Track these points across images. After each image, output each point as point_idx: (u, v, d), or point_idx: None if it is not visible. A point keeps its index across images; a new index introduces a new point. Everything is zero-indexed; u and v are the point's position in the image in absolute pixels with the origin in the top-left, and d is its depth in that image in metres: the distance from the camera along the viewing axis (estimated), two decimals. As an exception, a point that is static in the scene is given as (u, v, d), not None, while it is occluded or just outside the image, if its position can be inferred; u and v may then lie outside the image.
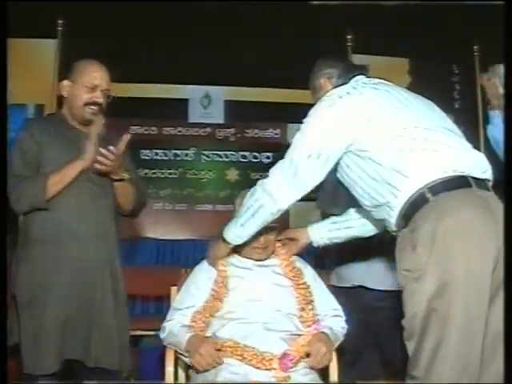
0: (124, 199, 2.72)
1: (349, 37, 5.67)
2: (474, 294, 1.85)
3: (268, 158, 6.09)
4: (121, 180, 2.65)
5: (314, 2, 5.80)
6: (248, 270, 2.49)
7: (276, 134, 6.19)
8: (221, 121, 6.21)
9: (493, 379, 1.89)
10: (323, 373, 2.41)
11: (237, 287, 2.43)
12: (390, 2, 5.89)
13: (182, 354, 2.40)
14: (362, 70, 2.37)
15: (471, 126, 5.71)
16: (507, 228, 1.89)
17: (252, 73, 5.74)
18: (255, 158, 6.19)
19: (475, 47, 5.88)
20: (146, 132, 5.97)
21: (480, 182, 1.98)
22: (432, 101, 2.29)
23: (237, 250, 2.52)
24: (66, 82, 2.69)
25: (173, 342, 2.41)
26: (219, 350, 2.28)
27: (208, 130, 6.20)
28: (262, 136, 6.26)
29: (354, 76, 2.30)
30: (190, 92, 6.11)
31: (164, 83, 5.91)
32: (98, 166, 2.54)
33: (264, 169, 6.08)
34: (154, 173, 5.84)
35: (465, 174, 1.96)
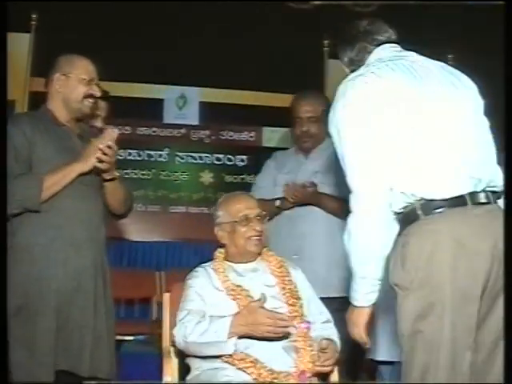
0: (115, 199, 2.67)
1: (325, 41, 5.69)
2: (461, 315, 1.81)
3: (242, 160, 6.08)
4: (112, 179, 2.59)
5: (294, 5, 5.79)
6: (241, 276, 2.45)
7: (251, 137, 6.18)
8: (196, 122, 6.19)
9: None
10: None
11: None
12: (366, 8, 5.91)
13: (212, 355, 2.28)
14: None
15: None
16: (507, 228, 1.86)
17: (228, 75, 5.73)
18: (230, 160, 6.17)
19: (449, 56, 5.94)
20: (119, 131, 5.90)
21: (478, 198, 1.90)
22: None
23: (228, 257, 2.50)
24: (57, 75, 2.59)
25: (207, 336, 2.24)
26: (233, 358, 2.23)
27: (183, 131, 6.16)
28: (237, 138, 6.25)
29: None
30: (166, 92, 6.07)
31: (139, 82, 5.87)
32: (98, 164, 2.48)
33: (238, 171, 6.13)
34: (126, 173, 5.75)
35: (462, 192, 1.88)
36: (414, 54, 2.10)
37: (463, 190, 1.87)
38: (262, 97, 5.92)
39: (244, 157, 6.07)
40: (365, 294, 1.97)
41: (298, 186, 3.07)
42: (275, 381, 2.16)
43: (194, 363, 2.33)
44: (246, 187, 3.77)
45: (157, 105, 6.01)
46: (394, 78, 1.95)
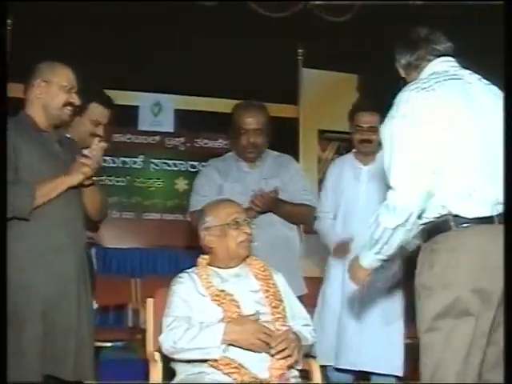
0: (92, 205, 2.67)
1: (299, 51, 5.76)
2: (478, 319, 2.01)
3: (217, 168, 6.10)
4: (91, 185, 2.60)
5: (269, 14, 5.84)
6: (224, 281, 2.47)
7: (225, 145, 6.18)
8: (171, 129, 6.21)
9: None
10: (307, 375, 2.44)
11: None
12: (340, 18, 5.98)
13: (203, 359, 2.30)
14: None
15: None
16: (507, 228, 2.05)
17: (203, 82, 5.76)
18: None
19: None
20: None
21: (501, 219, 2.08)
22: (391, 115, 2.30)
23: (211, 263, 2.52)
24: (38, 82, 2.58)
25: (197, 342, 2.27)
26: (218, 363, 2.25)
27: (157, 138, 6.18)
28: (212, 146, 6.28)
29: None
30: (141, 99, 6.09)
31: (114, 89, 5.85)
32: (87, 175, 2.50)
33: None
34: (101, 180, 5.71)
35: (492, 214, 2.07)
36: (468, 73, 2.22)
37: (492, 212, 2.07)
38: (239, 103, 5.95)
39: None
40: (372, 262, 2.23)
41: (266, 193, 3.12)
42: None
43: (179, 368, 2.34)
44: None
45: (132, 112, 6.02)
46: (450, 98, 2.10)
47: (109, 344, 4.00)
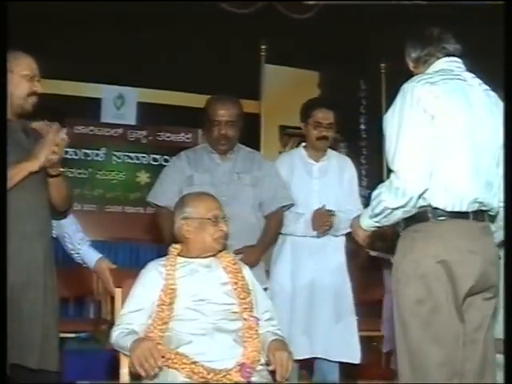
0: (58, 196, 2.69)
1: (263, 47, 5.82)
2: (454, 302, 2.18)
3: (179, 161, 6.12)
4: (57, 175, 2.62)
5: (233, 9, 5.88)
6: (194, 272, 2.52)
7: (188, 139, 6.24)
8: (133, 122, 6.20)
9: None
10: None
11: (186, 290, 2.44)
12: (303, 15, 6.05)
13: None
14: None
15: (375, 139, 5.98)
16: (507, 228, 2.27)
17: (166, 76, 5.77)
18: (166, 161, 6.14)
19: (382, 65, 6.16)
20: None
21: (477, 216, 2.26)
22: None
23: (183, 252, 2.57)
24: None
25: (120, 347, 2.38)
26: (166, 358, 2.27)
27: (120, 130, 6.16)
28: (174, 140, 6.29)
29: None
30: (104, 92, 6.07)
31: (77, 81, 5.84)
32: (53, 156, 2.50)
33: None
34: (63, 172, 5.71)
35: (468, 210, 2.24)
36: (471, 76, 2.37)
37: (469, 208, 2.23)
38: (199, 99, 5.91)
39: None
40: (371, 227, 2.38)
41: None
42: (214, 378, 2.23)
43: None
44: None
45: (94, 104, 5.99)
46: (452, 96, 2.25)
47: (72, 335, 4.01)
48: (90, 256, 3.20)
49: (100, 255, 3.12)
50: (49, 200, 2.65)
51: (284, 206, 3.37)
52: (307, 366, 3.49)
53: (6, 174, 2.38)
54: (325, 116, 3.49)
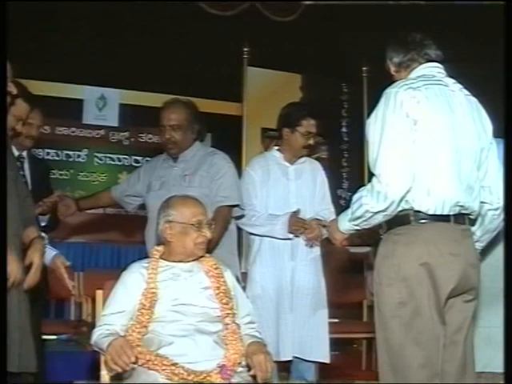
0: None
1: (245, 49, 5.83)
2: (435, 303, 2.19)
3: (162, 163, 6.11)
4: None
5: (216, 12, 5.89)
6: (175, 275, 2.51)
7: (170, 140, 6.22)
8: (115, 124, 6.19)
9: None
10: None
11: (167, 294, 2.44)
12: (286, 18, 6.08)
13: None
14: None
15: (357, 143, 6.02)
16: (507, 228, 2.31)
17: (149, 77, 5.77)
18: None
19: (364, 68, 6.20)
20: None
21: (458, 219, 2.28)
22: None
23: (165, 255, 2.57)
24: None
25: (99, 348, 2.37)
26: (147, 360, 2.27)
27: (102, 132, 6.16)
28: (156, 141, 6.26)
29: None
30: (86, 93, 6.05)
31: (59, 82, 5.82)
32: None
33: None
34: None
35: (449, 213, 2.25)
36: (452, 82, 2.39)
37: (450, 212, 2.25)
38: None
39: (163, 159, 6.10)
40: (349, 230, 2.38)
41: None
42: (195, 380, 2.23)
43: None
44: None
45: (76, 105, 5.98)
46: (435, 102, 2.27)
47: (53, 337, 4.00)
48: (45, 253, 3.21)
49: (56, 252, 3.10)
50: (19, 203, 2.65)
51: (231, 206, 3.32)
52: (286, 367, 3.50)
53: (5, 174, 2.36)
54: (314, 126, 3.53)
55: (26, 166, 3.47)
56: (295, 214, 3.41)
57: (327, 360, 3.42)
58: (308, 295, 3.41)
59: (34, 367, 2.52)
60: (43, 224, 3.38)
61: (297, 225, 3.39)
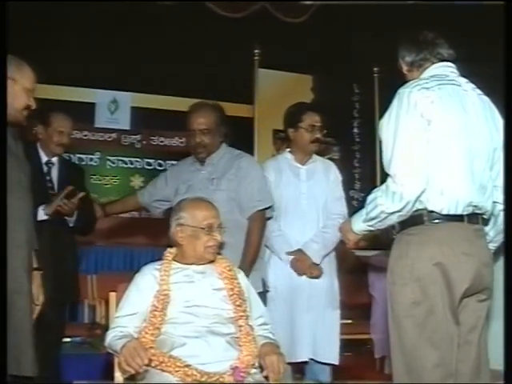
0: None
1: (256, 51, 5.83)
2: (449, 303, 2.19)
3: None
4: None
5: (226, 14, 5.89)
6: (188, 277, 2.51)
7: (181, 143, 6.24)
8: (127, 127, 6.21)
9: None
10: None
11: (179, 296, 2.44)
12: (297, 19, 6.07)
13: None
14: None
15: (369, 143, 6.00)
16: (507, 228, 2.31)
17: (160, 80, 5.78)
18: (160, 165, 6.23)
19: (375, 68, 6.18)
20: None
21: (471, 219, 2.28)
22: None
23: (178, 258, 2.57)
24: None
25: (113, 350, 2.37)
26: (160, 361, 2.28)
27: (114, 135, 6.18)
28: (168, 144, 6.31)
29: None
30: (98, 96, 6.08)
31: (71, 86, 5.85)
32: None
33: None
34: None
35: (463, 213, 2.25)
36: (464, 81, 2.38)
37: (463, 211, 2.24)
38: (192, 103, 5.98)
39: (174, 162, 6.08)
40: (363, 230, 2.37)
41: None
42: (208, 381, 2.23)
43: None
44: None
45: (88, 109, 6.00)
46: (448, 102, 2.26)
47: (67, 339, 4.01)
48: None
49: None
50: (33, 209, 2.66)
51: (264, 209, 3.33)
52: (301, 368, 3.50)
53: (5, 175, 2.37)
54: (316, 119, 3.52)
55: (55, 171, 3.56)
56: (299, 254, 3.41)
57: (336, 362, 3.41)
58: (321, 296, 3.41)
59: (31, 371, 2.53)
60: (71, 225, 3.45)
61: (300, 268, 3.41)
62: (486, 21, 4.84)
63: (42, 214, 3.25)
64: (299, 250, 3.41)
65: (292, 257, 3.42)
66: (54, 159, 3.56)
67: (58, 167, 3.57)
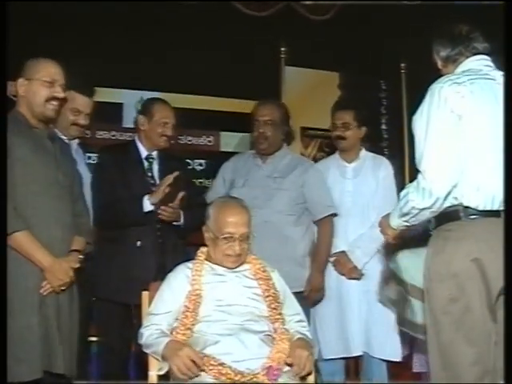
0: None
1: (282, 49, 5.83)
2: (485, 301, 2.19)
3: (201, 165, 6.13)
4: None
5: (252, 12, 5.89)
6: (221, 277, 2.52)
7: (209, 142, 6.23)
8: (155, 126, 6.21)
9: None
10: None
11: (211, 296, 2.46)
12: (322, 16, 6.04)
13: (158, 360, 2.40)
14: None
15: (397, 141, 5.96)
16: (507, 228, 2.25)
17: (187, 80, 5.80)
18: (188, 164, 6.24)
19: (402, 64, 6.13)
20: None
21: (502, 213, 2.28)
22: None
23: (209, 258, 2.57)
24: (21, 80, 2.64)
25: (150, 348, 2.41)
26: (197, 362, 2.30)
27: (142, 135, 6.19)
28: (196, 143, 6.31)
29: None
30: (125, 96, 6.10)
31: (99, 86, 5.87)
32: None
33: (197, 176, 6.22)
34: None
35: (499, 208, 2.24)
36: (500, 75, 2.36)
37: (500, 207, 2.24)
38: (220, 102, 5.99)
39: (202, 161, 6.11)
40: (399, 226, 2.40)
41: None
42: (242, 380, 2.25)
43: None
44: (204, 192, 3.89)
45: (116, 109, 6.04)
46: (480, 97, 2.26)
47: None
48: None
49: None
50: (72, 206, 2.69)
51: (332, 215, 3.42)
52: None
53: (5, 174, 2.40)
54: (338, 116, 3.57)
55: (155, 166, 3.42)
56: (342, 256, 3.44)
57: (399, 358, 3.40)
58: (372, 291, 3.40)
59: (73, 369, 2.56)
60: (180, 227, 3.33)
61: (340, 270, 3.45)
62: (486, 21, 4.79)
63: (147, 204, 3.17)
64: (343, 253, 3.41)
65: (334, 257, 3.45)
66: (154, 153, 3.43)
67: (157, 162, 3.43)
